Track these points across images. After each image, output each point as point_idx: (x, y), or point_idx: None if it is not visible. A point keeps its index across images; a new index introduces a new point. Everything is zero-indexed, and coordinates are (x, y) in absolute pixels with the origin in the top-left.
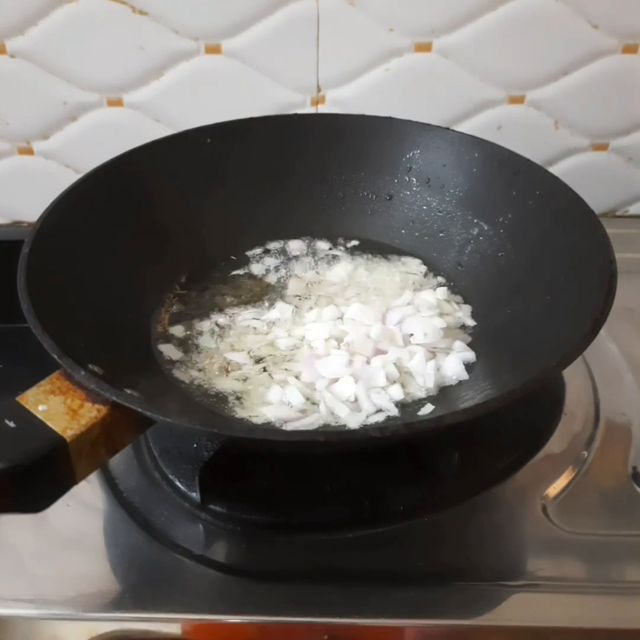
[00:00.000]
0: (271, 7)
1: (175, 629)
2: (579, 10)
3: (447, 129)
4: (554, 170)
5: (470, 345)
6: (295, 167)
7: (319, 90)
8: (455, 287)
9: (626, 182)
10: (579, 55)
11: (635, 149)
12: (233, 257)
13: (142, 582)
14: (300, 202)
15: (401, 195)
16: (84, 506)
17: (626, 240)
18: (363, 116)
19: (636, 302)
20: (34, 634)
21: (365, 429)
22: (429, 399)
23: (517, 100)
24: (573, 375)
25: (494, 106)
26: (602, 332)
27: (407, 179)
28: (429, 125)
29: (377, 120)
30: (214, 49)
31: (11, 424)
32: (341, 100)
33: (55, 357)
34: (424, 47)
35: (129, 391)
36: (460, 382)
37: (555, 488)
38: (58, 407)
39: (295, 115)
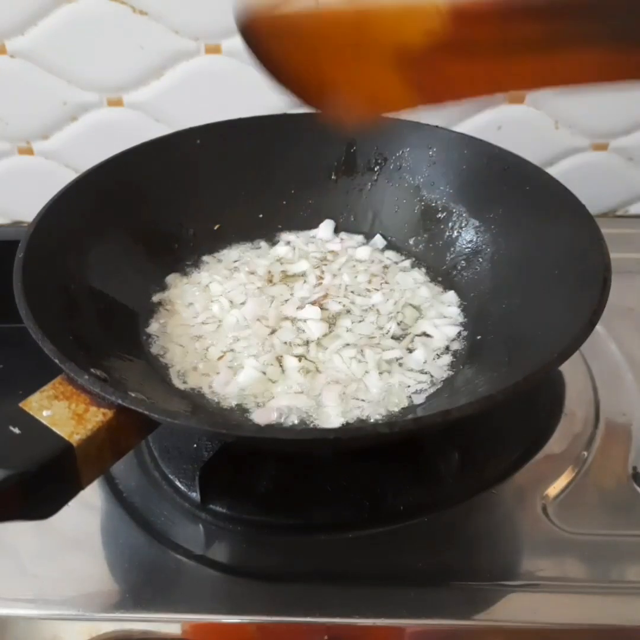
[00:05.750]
0: None
1: (175, 629)
2: None
3: (436, 127)
4: (554, 170)
5: (466, 342)
6: (285, 167)
7: None
8: (450, 283)
9: (626, 182)
10: None
11: (635, 149)
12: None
13: (142, 582)
14: (288, 200)
15: (392, 193)
16: (84, 506)
17: (626, 240)
18: None
19: (636, 302)
20: (34, 634)
21: (373, 425)
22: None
23: (517, 100)
24: (573, 375)
25: (493, 106)
26: (602, 331)
27: (397, 177)
28: (417, 123)
29: None
30: (214, 49)
31: (16, 431)
32: None
33: (57, 362)
34: None
35: (133, 394)
36: (457, 377)
37: (555, 488)
38: (63, 412)
39: (284, 115)
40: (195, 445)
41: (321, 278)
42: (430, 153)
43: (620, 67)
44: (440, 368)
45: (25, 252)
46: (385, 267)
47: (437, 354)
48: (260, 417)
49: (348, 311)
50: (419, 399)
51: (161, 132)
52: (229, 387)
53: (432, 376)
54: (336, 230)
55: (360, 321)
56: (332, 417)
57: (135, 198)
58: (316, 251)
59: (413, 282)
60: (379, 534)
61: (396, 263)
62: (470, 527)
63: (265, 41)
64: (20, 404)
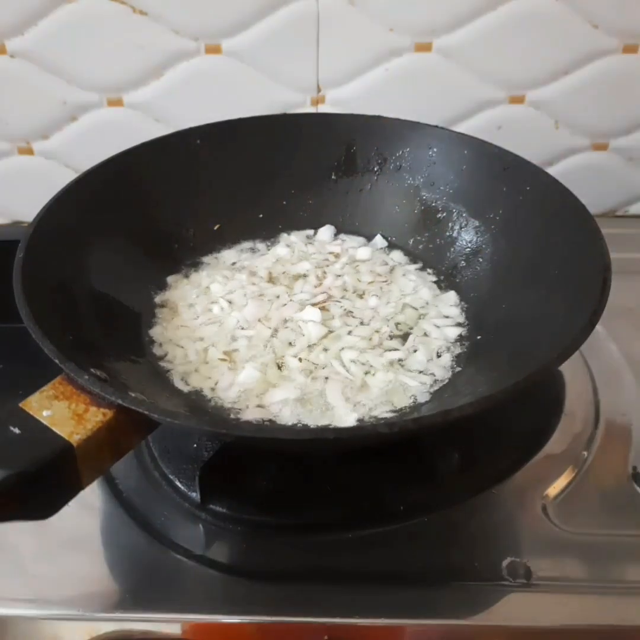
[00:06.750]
0: (271, 7)
1: (175, 629)
2: (579, 10)
3: (436, 126)
4: (554, 170)
5: (465, 342)
6: (285, 167)
7: (319, 90)
8: (450, 283)
9: (626, 182)
10: (579, 55)
11: (635, 148)
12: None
13: (142, 582)
14: (288, 200)
15: (392, 193)
16: (84, 506)
17: (626, 240)
18: (352, 115)
19: (636, 302)
20: (34, 634)
21: (373, 425)
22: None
23: (517, 100)
24: (573, 375)
25: (494, 106)
26: (602, 331)
27: (397, 177)
28: (417, 123)
29: (366, 118)
30: (214, 49)
31: (16, 431)
32: (341, 100)
33: (57, 362)
34: (424, 47)
35: (133, 394)
36: (458, 377)
37: (555, 488)
38: (63, 412)
39: (283, 115)
40: (195, 445)
41: (322, 279)
42: (430, 153)
43: None
44: (442, 368)
45: (25, 252)
46: (391, 268)
47: (438, 354)
48: (260, 416)
49: (349, 313)
50: (421, 399)
51: (161, 132)
52: (231, 389)
53: (433, 376)
54: (336, 232)
55: (361, 322)
56: (344, 416)
57: (135, 198)
58: (317, 252)
59: (413, 282)
60: (379, 534)
61: (398, 263)
62: (470, 527)
63: None
64: (20, 404)
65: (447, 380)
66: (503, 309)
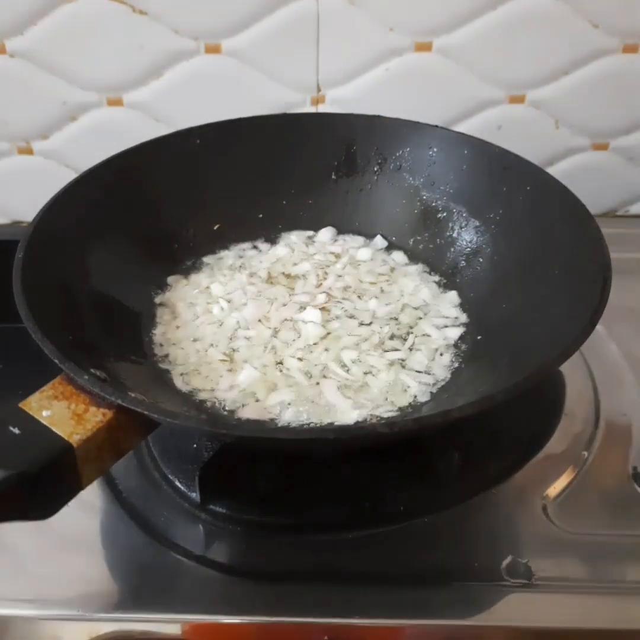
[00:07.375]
0: (271, 6)
1: (175, 629)
2: (579, 10)
3: (436, 126)
4: (554, 170)
5: (465, 342)
6: (285, 167)
7: (319, 89)
8: (450, 283)
9: (626, 182)
10: (579, 55)
11: (635, 148)
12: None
13: (142, 582)
14: (288, 200)
15: (392, 193)
16: (84, 506)
17: (626, 240)
18: (352, 115)
19: (636, 302)
20: (34, 634)
21: (373, 425)
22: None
23: (517, 100)
24: (573, 375)
25: (494, 106)
26: (602, 332)
27: (397, 177)
28: (417, 123)
29: (365, 118)
30: (214, 49)
31: (16, 431)
32: (341, 99)
33: (57, 362)
34: (424, 47)
35: (133, 394)
36: (458, 377)
37: (555, 488)
38: (62, 412)
39: (283, 115)
40: (195, 446)
41: (323, 279)
42: (431, 153)
43: None
44: (442, 368)
45: (25, 252)
46: (391, 268)
47: (439, 354)
48: (260, 417)
49: (350, 313)
50: (421, 399)
51: (161, 132)
52: (231, 389)
53: (434, 376)
54: (336, 234)
55: (361, 322)
56: (345, 413)
57: (134, 198)
58: (317, 253)
59: (414, 283)
60: (379, 534)
61: (398, 263)
62: (470, 527)
63: None
64: (20, 404)
65: (447, 380)
66: (503, 309)
